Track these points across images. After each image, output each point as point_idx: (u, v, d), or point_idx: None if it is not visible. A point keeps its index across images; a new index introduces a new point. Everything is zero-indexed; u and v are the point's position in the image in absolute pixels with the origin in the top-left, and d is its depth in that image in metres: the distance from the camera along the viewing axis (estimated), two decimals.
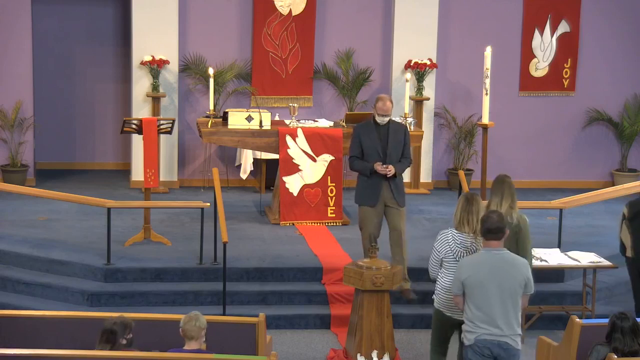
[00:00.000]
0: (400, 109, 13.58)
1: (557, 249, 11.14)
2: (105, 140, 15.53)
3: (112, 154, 15.60)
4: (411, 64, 14.44)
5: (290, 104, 12.95)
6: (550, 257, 10.69)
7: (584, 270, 10.74)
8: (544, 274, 10.99)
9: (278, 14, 14.55)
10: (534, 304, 10.72)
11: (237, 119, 12.72)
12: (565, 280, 11.38)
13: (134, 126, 11.58)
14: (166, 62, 14.18)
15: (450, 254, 8.47)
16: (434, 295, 8.62)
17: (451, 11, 14.81)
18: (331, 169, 12.72)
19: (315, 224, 12.64)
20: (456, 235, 8.50)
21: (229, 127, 12.70)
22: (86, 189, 13.90)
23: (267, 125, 12.72)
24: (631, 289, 10.85)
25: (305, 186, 12.70)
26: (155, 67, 14.10)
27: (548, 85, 15.10)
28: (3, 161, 14.42)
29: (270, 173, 14.00)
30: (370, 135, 10.63)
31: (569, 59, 15.08)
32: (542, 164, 15.22)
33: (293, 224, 12.63)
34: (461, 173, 12.15)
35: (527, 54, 15.03)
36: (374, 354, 9.51)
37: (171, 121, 11.76)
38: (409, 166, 10.90)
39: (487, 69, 12.02)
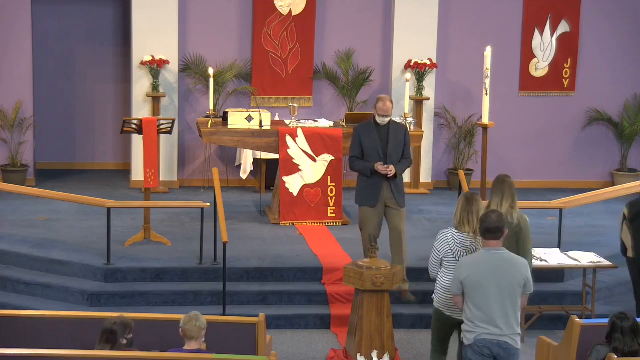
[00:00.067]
0: (400, 109, 13.57)
1: (557, 249, 11.14)
2: (105, 140, 15.53)
3: (112, 154, 15.60)
4: (411, 64, 14.44)
5: (290, 104, 12.95)
6: (550, 257, 10.69)
7: (584, 270, 10.74)
8: (544, 274, 10.99)
9: (278, 14, 14.55)
10: (534, 304, 10.72)
11: (237, 119, 12.72)
12: (565, 280, 11.38)
13: (134, 126, 11.58)
14: (166, 62, 14.19)
15: (450, 254, 8.47)
16: (433, 295, 8.63)
17: (451, 11, 14.81)
18: (331, 169, 12.72)
19: (315, 224, 12.64)
20: (456, 235, 8.50)
21: (229, 127, 12.70)
22: (86, 189, 13.90)
23: (267, 125, 12.72)
24: (631, 289, 10.85)
25: (305, 186, 12.70)
26: (155, 67, 14.11)
27: (548, 85, 15.11)
28: (3, 161, 14.42)
29: (270, 173, 14.00)
30: (370, 135, 10.63)
31: (569, 59, 15.08)
32: (542, 164, 15.22)
33: (293, 224, 12.63)
34: (461, 173, 12.15)
35: (527, 54, 15.04)
36: (374, 354, 9.51)
37: (171, 121, 11.76)
38: (409, 166, 10.90)
39: (487, 69, 12.02)
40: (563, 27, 15.00)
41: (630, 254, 10.04)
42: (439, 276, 8.57)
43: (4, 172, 14.29)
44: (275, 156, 12.97)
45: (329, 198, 12.71)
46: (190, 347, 7.72)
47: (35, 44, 14.52)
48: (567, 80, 15.13)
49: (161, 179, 13.90)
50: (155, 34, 14.19)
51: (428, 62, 14.46)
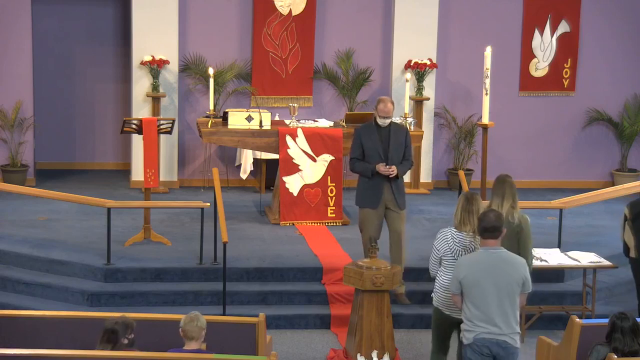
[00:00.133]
0: (400, 109, 13.57)
1: (557, 249, 11.14)
2: (105, 140, 15.53)
3: (112, 154, 15.60)
4: (411, 64, 14.44)
5: (290, 104, 12.95)
6: (550, 257, 10.69)
7: (584, 270, 10.74)
8: (544, 274, 10.99)
9: (278, 14, 14.55)
10: (534, 304, 10.73)
11: (237, 119, 12.72)
12: (565, 280, 11.38)
13: (134, 126, 11.58)
14: (166, 62, 14.19)
15: (449, 253, 8.48)
16: (432, 294, 8.64)
17: (451, 11, 14.81)
18: (331, 169, 12.72)
19: (315, 224, 12.64)
20: (455, 234, 8.51)
21: (229, 127, 12.70)
22: (86, 189, 13.91)
23: (267, 125, 12.72)
24: (631, 289, 10.87)
25: (305, 186, 12.70)
26: (155, 67, 14.11)
27: (548, 85, 15.11)
28: (3, 161, 14.42)
29: (270, 173, 14.00)
30: (371, 137, 10.60)
31: (569, 59, 15.08)
32: (542, 164, 15.22)
33: (293, 224, 12.63)
34: (461, 173, 12.15)
35: (527, 54, 15.04)
36: (374, 354, 9.51)
37: (171, 121, 11.76)
38: (410, 168, 10.87)
39: (487, 69, 12.02)
40: (563, 27, 15.00)
41: (632, 254, 10.04)
42: (438, 275, 8.58)
43: (4, 172, 14.30)
44: (275, 156, 12.97)
45: (329, 198, 12.71)
46: (190, 347, 7.72)
47: (35, 44, 14.53)
48: (567, 80, 15.13)
49: (161, 179, 13.91)
50: (155, 34, 14.20)
51: (428, 62, 14.46)
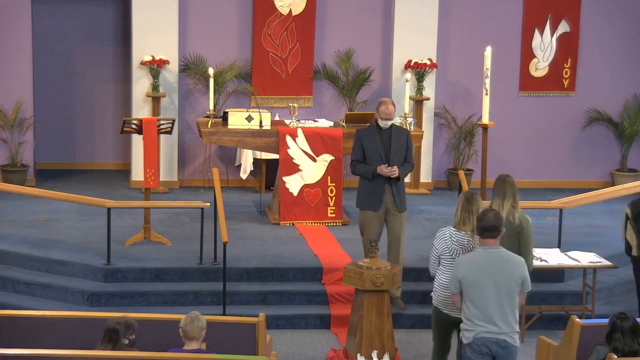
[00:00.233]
0: (400, 109, 13.56)
1: (557, 249, 11.14)
2: (105, 140, 15.53)
3: (112, 154, 15.60)
4: (411, 64, 14.44)
5: (290, 104, 12.95)
6: (550, 257, 10.69)
7: (584, 270, 10.74)
8: (544, 274, 10.99)
9: (278, 14, 14.55)
10: (534, 304, 10.73)
11: (237, 119, 12.72)
12: (565, 280, 11.38)
13: (134, 126, 11.58)
14: (166, 62, 14.19)
15: (447, 252, 8.50)
16: (432, 293, 8.65)
17: (451, 11, 14.81)
18: (331, 169, 12.72)
19: (315, 224, 12.65)
20: (453, 233, 8.52)
21: (229, 127, 12.70)
22: (86, 189, 13.91)
23: (267, 125, 12.72)
24: (631, 289, 10.87)
25: (305, 186, 12.70)
26: (155, 67, 14.11)
27: (548, 85, 15.11)
28: (3, 161, 14.42)
29: (270, 173, 14.00)
30: (372, 139, 10.57)
31: (569, 59, 15.08)
32: (542, 164, 15.22)
33: (293, 224, 12.63)
34: (461, 173, 12.15)
35: (527, 54, 15.04)
36: (374, 354, 9.51)
37: (171, 121, 11.76)
38: (411, 170, 10.83)
39: (487, 69, 12.02)
40: (563, 27, 15.00)
41: (635, 252, 10.05)
42: (437, 274, 8.60)
43: (4, 172, 14.29)
44: (275, 156, 12.97)
45: (329, 198, 12.71)
46: (190, 347, 7.72)
47: (35, 44, 14.53)
48: (567, 80, 15.13)
49: (161, 179, 13.91)
50: (155, 34, 14.20)
51: (428, 62, 14.46)
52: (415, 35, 14.51)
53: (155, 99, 14.25)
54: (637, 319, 7.96)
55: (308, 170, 12.68)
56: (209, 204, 11.32)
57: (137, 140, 13.39)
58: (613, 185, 14.70)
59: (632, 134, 15.09)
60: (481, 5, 14.88)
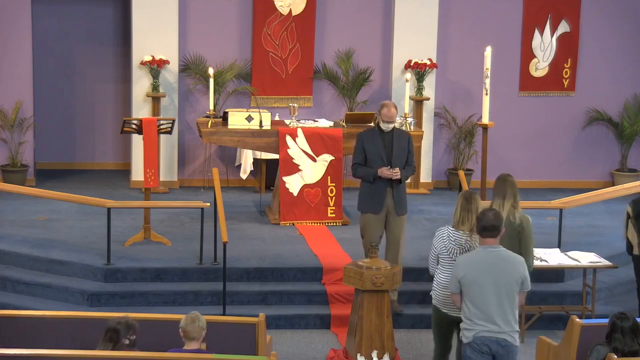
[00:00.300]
0: (400, 109, 13.54)
1: (557, 249, 11.14)
2: (105, 140, 15.53)
3: (112, 154, 15.60)
4: (411, 64, 14.44)
5: (290, 104, 12.95)
6: (550, 257, 10.69)
7: (584, 270, 10.74)
8: (544, 274, 10.99)
9: (278, 14, 14.55)
10: (534, 304, 10.73)
11: (237, 119, 12.72)
12: (565, 280, 11.38)
13: (134, 126, 11.58)
14: (166, 62, 14.19)
15: (445, 251, 8.51)
16: (431, 292, 8.66)
17: (451, 11, 14.81)
18: (331, 169, 12.72)
19: (315, 224, 12.65)
20: (451, 232, 8.54)
21: (229, 127, 12.70)
22: (86, 189, 13.91)
23: (267, 125, 12.72)
24: (631, 289, 10.88)
25: (305, 186, 12.70)
26: (155, 67, 14.11)
27: (548, 85, 15.11)
28: (3, 161, 14.42)
29: (270, 173, 14.01)
30: (374, 141, 10.52)
31: (569, 59, 15.08)
32: (542, 164, 15.22)
33: (293, 224, 12.63)
34: (461, 173, 12.14)
35: (527, 54, 15.04)
36: (374, 354, 9.51)
37: (171, 121, 11.76)
38: (412, 174, 10.75)
39: (487, 69, 12.02)
40: (563, 27, 15.00)
41: (636, 251, 10.05)
42: (435, 273, 8.61)
43: (4, 172, 14.30)
44: (275, 156, 12.97)
45: (329, 198, 12.71)
46: (190, 347, 7.72)
47: (35, 44, 14.53)
48: (567, 80, 15.13)
49: (161, 179, 13.91)
50: (155, 34, 14.20)
51: (428, 62, 14.46)
52: (415, 35, 14.51)
53: (155, 99, 14.25)
54: (637, 319, 7.97)
55: (308, 170, 12.68)
56: (209, 204, 11.32)
57: (137, 140, 13.39)
58: (613, 185, 14.70)
59: (632, 134, 15.10)
60: (481, 5, 14.88)
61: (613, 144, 15.28)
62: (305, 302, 10.94)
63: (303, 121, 13.11)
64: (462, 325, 8.04)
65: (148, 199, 11.79)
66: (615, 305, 10.88)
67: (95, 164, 15.53)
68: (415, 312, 10.79)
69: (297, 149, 12.66)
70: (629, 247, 10.13)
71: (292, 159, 12.65)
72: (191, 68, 14.48)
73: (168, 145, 14.38)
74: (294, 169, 12.67)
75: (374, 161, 10.48)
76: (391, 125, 10.54)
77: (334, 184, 12.72)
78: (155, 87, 14.22)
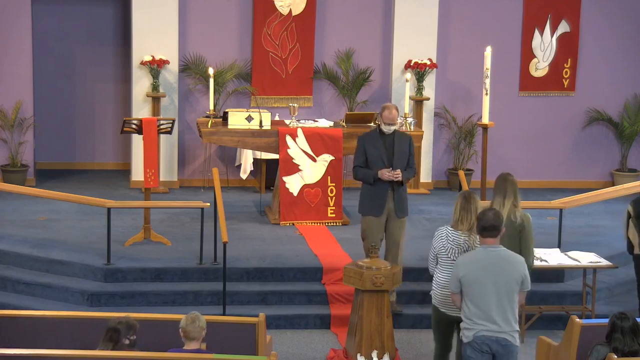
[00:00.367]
0: (400, 109, 13.54)
1: (557, 249, 11.14)
2: (105, 140, 15.53)
3: (112, 154, 15.60)
4: (411, 64, 14.44)
5: (290, 104, 12.95)
6: (550, 257, 10.69)
7: (584, 270, 10.74)
8: (544, 274, 10.99)
9: (278, 14, 14.55)
10: (534, 304, 10.73)
11: (237, 119, 12.72)
12: (565, 280, 11.38)
13: (134, 126, 11.58)
14: (166, 62, 14.19)
15: (443, 251, 8.53)
16: (431, 292, 8.66)
17: (451, 11, 14.81)
18: (331, 169, 12.72)
19: (315, 224, 12.65)
20: (450, 232, 8.55)
21: (229, 127, 12.70)
22: (86, 189, 13.91)
23: (267, 125, 12.72)
24: (631, 289, 10.88)
25: (305, 186, 12.70)
26: (155, 67, 14.11)
27: (548, 85, 15.11)
28: (3, 161, 14.42)
29: (270, 173, 14.01)
30: (375, 144, 10.49)
31: (569, 59, 15.08)
32: (542, 164, 15.22)
33: (293, 224, 12.63)
34: (461, 173, 12.14)
35: (527, 54, 15.04)
36: (374, 354, 9.51)
37: (171, 121, 11.76)
38: (413, 176, 10.73)
39: (487, 69, 12.02)
40: (563, 27, 15.00)
41: (637, 251, 10.05)
42: (435, 273, 8.62)
43: (4, 172, 14.30)
44: (275, 156, 12.98)
45: (329, 198, 12.71)
46: (190, 347, 7.72)
47: (35, 44, 14.53)
48: (567, 80, 15.13)
49: (161, 179, 13.91)
50: (155, 34, 14.20)
51: (428, 62, 14.46)
52: (415, 35, 14.51)
53: (155, 99, 14.25)
54: (637, 319, 7.97)
55: (308, 170, 12.68)
56: (209, 204, 11.32)
57: (137, 140, 13.39)
58: (613, 185, 14.70)
59: (632, 134, 15.10)
60: (481, 5, 14.88)
61: (613, 144, 15.28)
62: (305, 302, 10.94)
63: (303, 121, 13.11)
64: (462, 324, 8.04)
65: (148, 199, 11.79)
66: (615, 305, 10.88)
67: (95, 164, 15.53)
68: (415, 312, 10.79)
69: (297, 149, 12.66)
70: (630, 246, 10.14)
71: (292, 159, 12.65)
72: (191, 68, 14.48)
73: (168, 145, 14.38)
74: (294, 169, 12.67)
75: (374, 163, 10.45)
76: (392, 128, 10.52)
77: (334, 184, 12.72)
78: (155, 87, 14.22)
